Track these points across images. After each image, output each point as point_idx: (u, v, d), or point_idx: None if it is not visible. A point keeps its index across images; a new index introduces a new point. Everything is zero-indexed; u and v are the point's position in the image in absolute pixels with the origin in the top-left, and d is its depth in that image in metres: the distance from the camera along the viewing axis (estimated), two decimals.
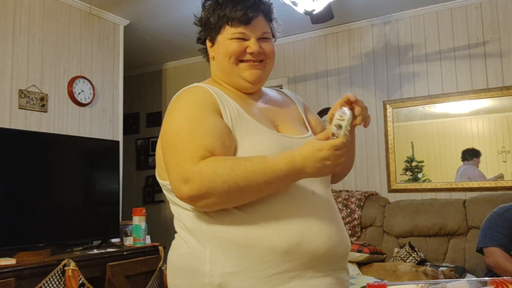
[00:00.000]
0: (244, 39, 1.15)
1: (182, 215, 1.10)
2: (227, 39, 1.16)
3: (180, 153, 1.00)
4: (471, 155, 3.48)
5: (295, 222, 1.01)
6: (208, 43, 1.23)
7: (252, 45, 1.15)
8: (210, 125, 1.03)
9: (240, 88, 1.20)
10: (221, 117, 1.08)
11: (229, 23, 1.15)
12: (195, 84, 1.18)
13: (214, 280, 1.00)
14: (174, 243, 1.15)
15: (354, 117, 1.00)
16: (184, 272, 1.06)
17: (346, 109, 0.99)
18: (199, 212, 1.06)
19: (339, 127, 0.97)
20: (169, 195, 1.16)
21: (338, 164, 0.96)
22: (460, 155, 3.54)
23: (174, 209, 1.15)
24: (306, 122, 1.28)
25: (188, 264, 1.05)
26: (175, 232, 1.18)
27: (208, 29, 1.20)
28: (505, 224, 2.44)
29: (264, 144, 1.06)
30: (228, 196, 0.96)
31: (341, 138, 0.95)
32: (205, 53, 1.27)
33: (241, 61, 1.16)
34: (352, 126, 1.01)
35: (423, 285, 0.92)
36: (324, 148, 0.94)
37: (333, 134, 0.97)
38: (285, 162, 0.96)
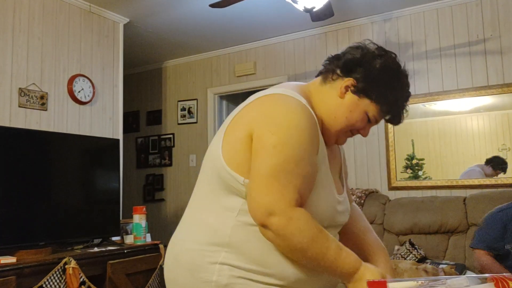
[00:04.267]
0: (369, 122, 1.14)
1: (214, 211, 1.07)
2: (364, 111, 1.11)
3: (279, 182, 0.97)
4: (494, 165, 3.40)
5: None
6: (349, 82, 1.11)
7: (367, 131, 1.17)
8: (311, 167, 1.02)
9: (325, 139, 1.13)
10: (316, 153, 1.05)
11: (384, 110, 1.12)
12: (303, 100, 1.06)
13: (221, 280, 1.02)
14: (182, 235, 1.13)
15: None
16: (189, 267, 1.06)
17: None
18: (231, 218, 1.04)
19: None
20: (216, 178, 1.07)
21: None
22: (461, 151, 3.53)
23: (211, 198, 1.09)
24: (343, 173, 1.29)
25: (196, 260, 1.05)
26: (175, 229, 1.17)
27: (370, 82, 1.10)
28: (496, 225, 2.46)
29: (325, 204, 1.08)
30: (290, 251, 1.00)
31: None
32: (331, 72, 1.14)
33: (350, 130, 1.17)
34: None
35: (423, 281, 0.92)
36: (377, 274, 1.02)
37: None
38: (349, 267, 1.01)
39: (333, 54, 1.19)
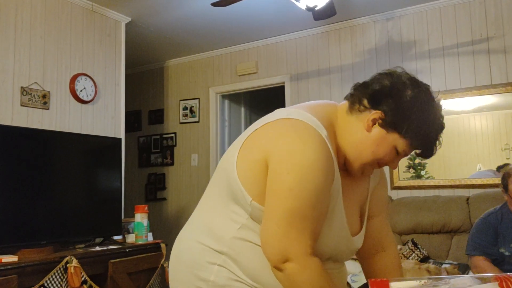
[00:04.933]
0: (397, 154, 1.07)
1: (220, 218, 1.07)
2: (393, 146, 1.05)
3: (296, 227, 0.96)
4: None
5: None
6: (376, 115, 1.04)
7: (397, 164, 1.10)
8: (325, 209, 1.01)
9: (349, 171, 1.11)
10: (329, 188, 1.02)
11: (414, 144, 1.04)
12: (323, 132, 1.01)
13: (218, 280, 1.04)
14: (187, 234, 1.14)
15: None
16: (188, 264, 1.08)
17: None
18: (234, 229, 1.05)
19: None
20: (227, 187, 1.06)
21: None
22: (463, 151, 3.51)
23: (220, 205, 1.09)
24: (367, 206, 1.21)
25: (197, 258, 1.07)
26: (179, 228, 1.18)
27: (399, 116, 1.02)
28: (487, 230, 2.45)
29: (334, 242, 1.07)
30: None
31: None
32: (357, 102, 1.07)
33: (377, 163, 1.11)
34: None
35: (426, 281, 0.91)
36: None
37: None
38: None
39: (360, 82, 1.11)
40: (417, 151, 1.08)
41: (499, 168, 3.39)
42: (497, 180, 3.32)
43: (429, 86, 1.07)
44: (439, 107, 1.06)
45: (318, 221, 1.00)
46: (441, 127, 1.06)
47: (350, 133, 1.07)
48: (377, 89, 1.05)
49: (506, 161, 3.36)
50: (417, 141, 1.04)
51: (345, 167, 1.10)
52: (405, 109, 1.02)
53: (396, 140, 1.04)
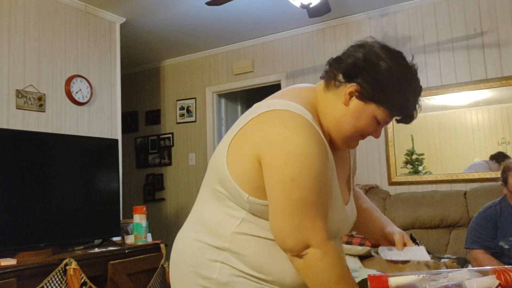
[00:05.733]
0: (378, 123, 1.08)
1: (218, 215, 1.07)
2: (372, 116, 1.05)
3: (309, 216, 0.97)
4: (500, 161, 3.40)
5: None
6: (352, 89, 1.04)
7: (379, 133, 1.11)
8: (328, 191, 1.02)
9: (335, 145, 1.11)
10: None
11: (394, 112, 1.06)
12: (307, 114, 1.01)
13: (221, 278, 1.03)
14: (186, 233, 1.14)
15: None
16: (190, 263, 1.08)
17: (403, 257, 1.15)
18: (233, 224, 1.05)
19: (391, 249, 1.18)
20: (220, 188, 1.06)
21: None
22: (460, 146, 3.52)
23: (215, 203, 1.09)
24: (352, 177, 1.26)
25: (198, 257, 1.07)
26: (178, 228, 1.18)
27: (375, 87, 1.02)
28: (486, 223, 2.46)
29: (336, 220, 1.08)
30: (315, 283, 0.99)
31: None
32: (333, 78, 1.07)
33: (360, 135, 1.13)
34: None
35: (425, 275, 0.92)
36: None
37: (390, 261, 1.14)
38: None
39: (333, 57, 1.10)
40: (397, 118, 1.09)
41: (492, 158, 3.41)
42: (494, 174, 3.34)
43: (401, 52, 1.07)
44: (414, 72, 1.07)
45: (326, 205, 1.01)
46: (418, 91, 1.08)
47: (330, 110, 1.08)
48: (351, 63, 1.04)
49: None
50: (396, 109, 1.05)
51: (331, 144, 1.11)
52: (380, 79, 1.02)
53: (374, 110, 1.05)
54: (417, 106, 1.08)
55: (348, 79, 1.04)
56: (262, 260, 1.03)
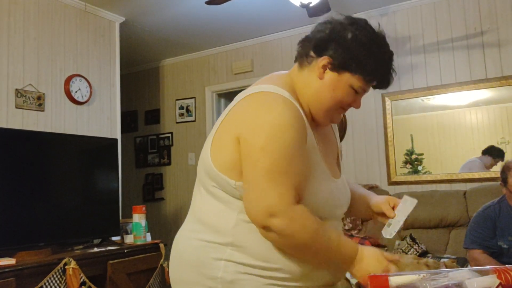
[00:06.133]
0: (357, 93, 1.10)
1: (214, 210, 1.07)
2: (350, 86, 1.08)
3: (275, 184, 0.97)
4: (492, 153, 3.41)
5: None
6: (325, 61, 1.07)
7: (359, 102, 1.13)
8: (303, 162, 1.02)
9: (318, 122, 1.14)
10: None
11: (368, 79, 1.07)
12: (285, 93, 1.04)
13: (226, 276, 1.02)
14: (185, 233, 1.13)
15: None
16: (194, 264, 1.06)
17: (400, 221, 1.15)
18: (232, 217, 1.05)
19: (389, 225, 1.18)
20: (209, 181, 1.08)
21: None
22: (460, 145, 3.52)
23: (205, 195, 1.10)
24: (339, 153, 1.29)
25: (201, 256, 1.05)
26: (177, 228, 1.16)
27: (345, 56, 1.05)
28: (485, 223, 2.47)
29: (326, 192, 1.09)
30: (295, 249, 1.01)
31: (395, 267, 1.06)
32: (305, 55, 1.11)
33: (340, 107, 1.14)
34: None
35: (425, 275, 0.92)
36: (383, 264, 1.04)
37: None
38: (351, 253, 1.03)
39: (303, 37, 1.15)
40: (374, 84, 1.11)
41: (484, 152, 3.41)
42: (494, 174, 3.34)
43: (366, 20, 1.10)
44: (381, 37, 1.09)
45: (297, 176, 1.00)
46: (388, 55, 1.10)
47: (307, 87, 1.10)
48: (319, 37, 1.08)
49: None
50: (369, 74, 1.07)
51: (314, 122, 1.13)
52: (350, 47, 1.05)
53: (349, 79, 1.07)
54: (391, 70, 1.11)
55: (319, 53, 1.08)
56: (266, 248, 1.02)
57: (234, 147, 1.02)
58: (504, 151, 3.36)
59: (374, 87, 1.12)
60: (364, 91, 1.10)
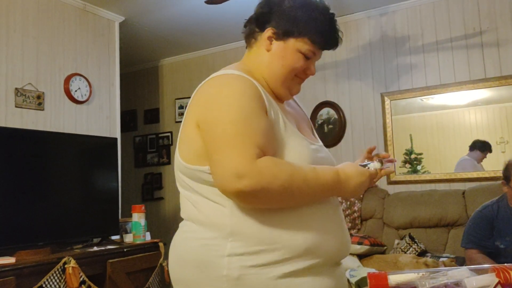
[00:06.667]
0: (308, 58, 1.14)
1: (201, 205, 1.06)
2: (298, 51, 1.12)
3: (236, 146, 0.96)
4: (478, 147, 3.44)
5: (316, 225, 1.06)
6: (269, 32, 1.12)
7: (313, 68, 1.17)
8: (263, 123, 1.01)
9: (278, 95, 1.16)
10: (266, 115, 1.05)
11: (313, 40, 1.11)
12: (236, 72, 1.08)
13: (232, 273, 0.99)
14: (184, 233, 1.11)
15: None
16: (196, 264, 1.04)
17: (376, 163, 1.15)
18: (221, 205, 1.03)
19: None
20: (187, 180, 1.09)
21: (364, 191, 1.07)
22: (459, 145, 3.53)
23: (190, 196, 1.10)
24: (313, 128, 1.32)
25: (203, 256, 1.03)
26: (176, 227, 1.15)
27: (286, 22, 1.11)
28: (483, 223, 2.47)
29: (302, 151, 1.07)
30: (279, 199, 0.99)
31: (377, 172, 1.09)
32: (252, 33, 1.17)
33: (295, 75, 1.16)
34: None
35: (424, 273, 0.92)
36: (365, 175, 1.07)
37: (365, 166, 1.13)
38: (332, 177, 1.03)
39: (246, 20, 1.20)
40: (322, 45, 1.14)
41: (471, 148, 3.44)
42: (493, 173, 3.35)
43: None
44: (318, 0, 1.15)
45: (258, 137, 0.98)
46: (328, 14, 1.14)
47: (259, 63, 1.15)
48: (259, 12, 1.15)
49: (502, 155, 3.37)
50: (313, 35, 1.11)
51: (278, 99, 1.15)
52: (289, 14, 1.11)
53: (295, 44, 1.11)
54: (334, 29, 1.15)
55: (262, 27, 1.14)
56: (265, 228, 1.01)
57: (197, 134, 1.05)
58: (503, 150, 3.37)
59: (323, 48, 1.15)
60: (314, 54, 1.14)
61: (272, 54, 1.13)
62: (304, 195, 1.01)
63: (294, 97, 1.33)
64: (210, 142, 1.00)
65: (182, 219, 1.18)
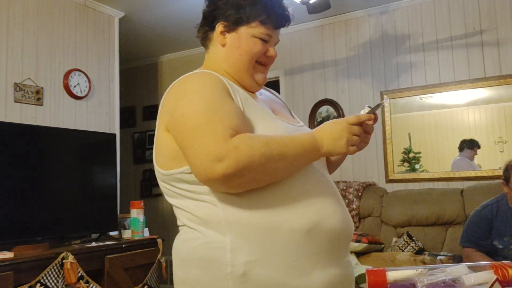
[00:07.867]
0: (265, 41, 1.14)
1: (192, 207, 1.05)
2: (252, 36, 1.13)
3: (207, 133, 0.95)
4: (467, 146, 3.47)
5: (313, 203, 1.04)
6: (220, 27, 1.14)
7: (272, 50, 1.18)
8: (231, 107, 1.01)
9: (246, 86, 1.16)
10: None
11: (263, 21, 1.12)
12: (198, 70, 1.11)
13: (236, 269, 0.97)
14: (183, 236, 1.09)
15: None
16: (199, 264, 1.02)
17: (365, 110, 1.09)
18: (210, 203, 1.02)
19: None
20: (170, 187, 1.09)
21: (352, 141, 1.02)
22: (457, 145, 3.54)
23: (178, 202, 1.09)
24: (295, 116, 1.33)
25: (205, 255, 1.01)
26: (177, 227, 1.13)
27: (232, 12, 1.12)
28: (482, 222, 2.48)
29: (277, 130, 1.06)
30: (264, 171, 0.96)
31: (354, 115, 1.03)
32: (206, 35, 1.18)
33: (257, 62, 1.16)
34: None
35: (422, 270, 0.92)
36: (340, 122, 1.03)
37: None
38: (307, 135, 1.03)
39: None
40: (274, 25, 1.15)
41: (461, 148, 3.47)
42: (491, 172, 3.36)
43: None
44: None
45: (228, 119, 0.98)
46: None
47: (218, 59, 1.16)
48: (206, 12, 1.17)
49: (500, 154, 3.38)
50: (261, 17, 1.12)
51: (249, 92, 1.16)
52: (233, 4, 1.12)
53: (247, 31, 1.13)
54: (280, 6, 1.16)
55: (212, 25, 1.16)
56: (262, 209, 0.99)
57: (167, 138, 1.05)
58: (502, 150, 3.38)
59: (275, 27, 1.16)
60: (270, 36, 1.15)
61: (228, 47, 1.14)
62: (287, 159, 0.98)
63: (274, 91, 1.36)
64: (182, 139, 0.99)
65: None
